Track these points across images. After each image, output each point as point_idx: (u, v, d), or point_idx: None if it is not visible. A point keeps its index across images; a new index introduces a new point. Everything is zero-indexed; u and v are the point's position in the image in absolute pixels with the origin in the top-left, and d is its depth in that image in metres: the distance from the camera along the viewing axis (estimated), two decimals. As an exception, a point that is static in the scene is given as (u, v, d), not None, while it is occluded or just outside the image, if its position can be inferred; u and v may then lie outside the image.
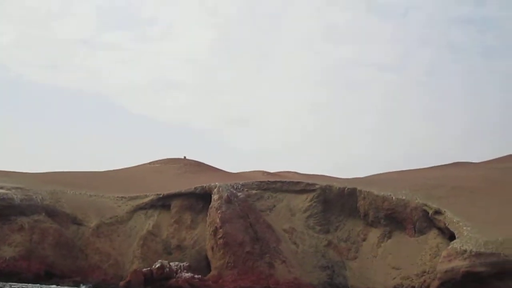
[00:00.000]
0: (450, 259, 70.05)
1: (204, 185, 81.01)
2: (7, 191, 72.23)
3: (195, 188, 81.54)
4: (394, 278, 76.41)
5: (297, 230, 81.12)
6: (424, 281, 73.61)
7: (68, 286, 67.27)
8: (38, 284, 65.44)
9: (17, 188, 74.54)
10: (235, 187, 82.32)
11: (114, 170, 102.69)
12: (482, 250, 68.88)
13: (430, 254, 75.62)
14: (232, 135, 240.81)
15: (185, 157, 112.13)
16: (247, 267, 72.09)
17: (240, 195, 79.58)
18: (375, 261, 79.56)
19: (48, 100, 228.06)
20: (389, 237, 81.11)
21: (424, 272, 74.18)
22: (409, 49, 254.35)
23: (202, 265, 75.35)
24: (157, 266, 69.53)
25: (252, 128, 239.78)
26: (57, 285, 67.14)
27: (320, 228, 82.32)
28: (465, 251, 69.20)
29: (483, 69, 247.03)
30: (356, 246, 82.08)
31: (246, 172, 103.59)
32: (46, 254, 70.50)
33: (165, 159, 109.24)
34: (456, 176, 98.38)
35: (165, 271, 68.96)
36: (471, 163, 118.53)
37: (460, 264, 68.50)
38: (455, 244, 71.58)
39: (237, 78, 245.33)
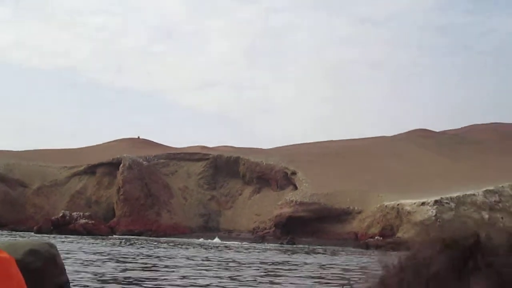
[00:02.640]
0: (282, 207, 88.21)
1: (119, 156, 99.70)
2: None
3: (112, 159, 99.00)
4: (255, 222, 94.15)
5: (189, 188, 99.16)
6: (272, 223, 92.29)
7: (7, 231, 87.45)
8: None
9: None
10: (147, 158, 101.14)
11: (76, 148, 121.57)
12: (306, 200, 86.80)
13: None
14: (258, 122, 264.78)
15: (138, 137, 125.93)
16: (139, 216, 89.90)
17: (144, 163, 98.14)
18: (244, 210, 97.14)
19: (108, 97, 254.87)
20: (258, 192, 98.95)
21: (274, 217, 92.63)
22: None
23: (110, 215, 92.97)
24: (60, 215, 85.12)
25: (273, 117, 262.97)
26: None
27: (208, 187, 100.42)
28: (292, 201, 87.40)
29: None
30: (233, 199, 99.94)
31: (188, 147, 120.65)
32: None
33: (122, 138, 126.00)
34: (332, 145, 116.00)
35: (66, 218, 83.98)
36: (430, 131, 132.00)
37: (286, 210, 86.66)
38: (287, 196, 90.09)
39: (262, 77, 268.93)
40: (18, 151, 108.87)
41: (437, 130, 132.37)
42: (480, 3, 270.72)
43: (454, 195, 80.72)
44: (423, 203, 79.47)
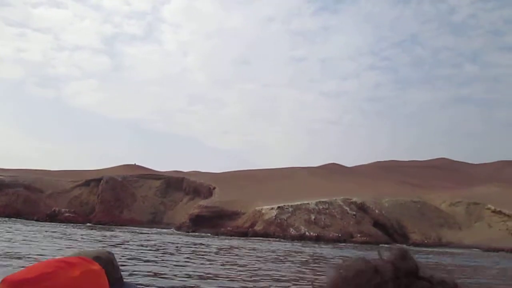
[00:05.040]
0: (195, 208, 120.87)
1: (104, 175, 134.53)
2: (1, 177, 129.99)
3: (102, 176, 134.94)
4: (185, 217, 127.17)
5: (148, 196, 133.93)
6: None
7: (24, 219, 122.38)
8: (7, 218, 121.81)
9: (11, 176, 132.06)
10: (124, 176, 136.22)
11: (91, 170, 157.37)
12: (211, 205, 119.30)
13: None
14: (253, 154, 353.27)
15: (135, 164, 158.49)
16: (109, 212, 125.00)
17: (120, 179, 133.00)
18: (181, 210, 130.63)
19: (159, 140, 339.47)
20: (192, 199, 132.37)
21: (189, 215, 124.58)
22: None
23: (93, 211, 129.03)
24: (52, 210, 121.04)
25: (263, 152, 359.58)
26: (19, 218, 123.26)
27: (161, 195, 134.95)
28: (201, 205, 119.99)
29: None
30: (176, 203, 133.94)
31: (167, 171, 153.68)
32: (16, 206, 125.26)
33: (124, 165, 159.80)
34: (249, 172, 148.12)
35: (55, 212, 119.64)
36: (340, 165, 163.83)
37: (196, 211, 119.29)
38: (201, 202, 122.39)
39: (256, 124, 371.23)
40: (45, 170, 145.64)
41: (348, 165, 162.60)
42: (401, 84, 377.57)
43: (294, 203, 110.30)
44: (272, 208, 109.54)
